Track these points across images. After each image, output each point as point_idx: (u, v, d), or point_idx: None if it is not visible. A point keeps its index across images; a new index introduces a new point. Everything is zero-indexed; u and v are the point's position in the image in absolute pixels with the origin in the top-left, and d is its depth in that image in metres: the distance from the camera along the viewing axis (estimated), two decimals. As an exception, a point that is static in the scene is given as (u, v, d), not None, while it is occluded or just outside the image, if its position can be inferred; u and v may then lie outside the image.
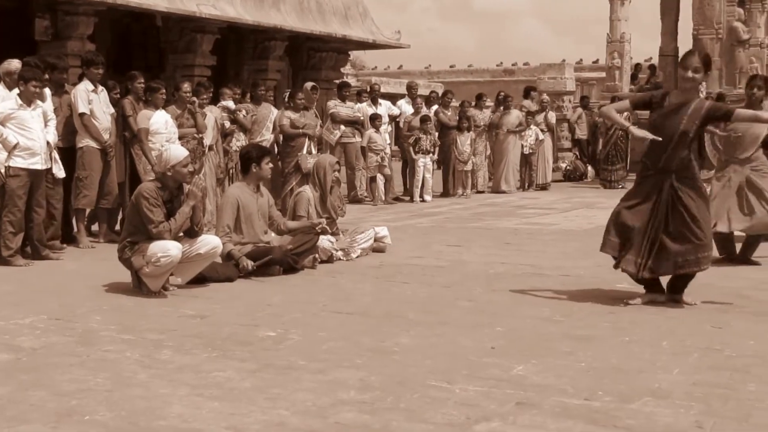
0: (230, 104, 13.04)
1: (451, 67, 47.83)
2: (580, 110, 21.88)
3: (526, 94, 20.04)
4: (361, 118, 15.43)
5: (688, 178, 6.41)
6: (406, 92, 17.73)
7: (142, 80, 10.45)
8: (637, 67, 27.24)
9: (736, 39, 22.44)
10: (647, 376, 4.60)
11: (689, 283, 6.56)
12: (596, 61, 40.50)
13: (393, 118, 16.99)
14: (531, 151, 18.02)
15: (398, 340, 5.41)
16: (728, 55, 22.49)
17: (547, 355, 5.05)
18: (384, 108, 16.34)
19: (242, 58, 19.67)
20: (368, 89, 17.89)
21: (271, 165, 8.27)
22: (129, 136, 10.23)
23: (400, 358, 4.98)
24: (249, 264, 7.65)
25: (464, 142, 16.47)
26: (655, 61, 27.22)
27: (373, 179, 15.22)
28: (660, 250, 6.42)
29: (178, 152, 7.20)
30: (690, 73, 6.37)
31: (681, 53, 24.32)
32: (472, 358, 4.97)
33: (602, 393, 4.30)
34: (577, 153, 21.55)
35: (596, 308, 6.40)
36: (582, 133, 21.50)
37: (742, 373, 4.66)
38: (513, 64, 45.52)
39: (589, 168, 21.11)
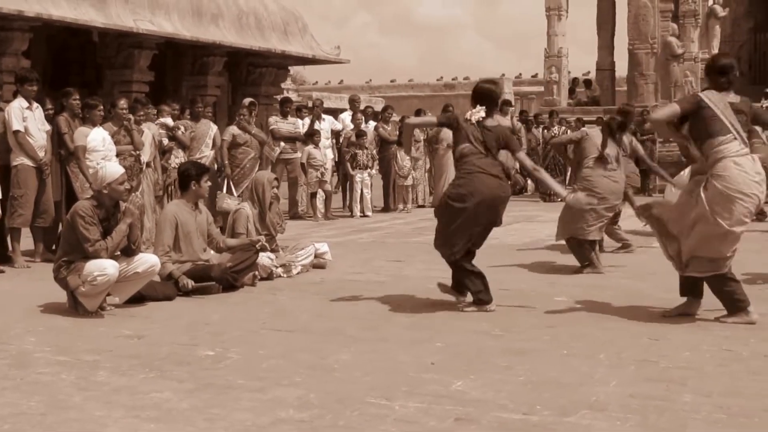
0: (168, 121, 12.92)
1: (391, 81, 47.96)
2: (519, 124, 22.04)
3: (501, 108, 20.23)
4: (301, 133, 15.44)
5: None
6: (349, 106, 17.74)
7: (77, 97, 10.30)
8: (574, 81, 27.60)
9: (670, 53, 22.84)
10: (585, 389, 4.64)
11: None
12: (535, 76, 40.90)
13: (336, 133, 16.97)
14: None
15: (338, 356, 5.39)
16: (663, 69, 22.87)
17: (486, 369, 5.07)
18: (327, 123, 16.32)
19: (181, 73, 19.52)
20: (311, 105, 17.86)
21: (209, 183, 8.22)
22: (64, 153, 10.08)
23: (339, 375, 4.96)
24: (189, 283, 7.59)
25: (404, 156, 16.53)
26: (593, 75, 27.62)
27: (313, 195, 15.20)
28: None
29: (113, 170, 7.12)
30: None
31: (617, 67, 24.63)
32: (412, 374, 4.97)
33: (540, 407, 4.33)
34: (517, 167, 21.68)
35: (535, 322, 6.44)
36: (522, 146, 21.66)
37: (678, 385, 4.72)
38: (453, 79, 45.73)
39: (529, 181, 21.28)
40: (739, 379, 4.84)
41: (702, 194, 6.20)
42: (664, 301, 6.94)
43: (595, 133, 9.15)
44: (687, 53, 23.19)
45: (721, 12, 23.91)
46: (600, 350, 5.50)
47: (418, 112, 18.11)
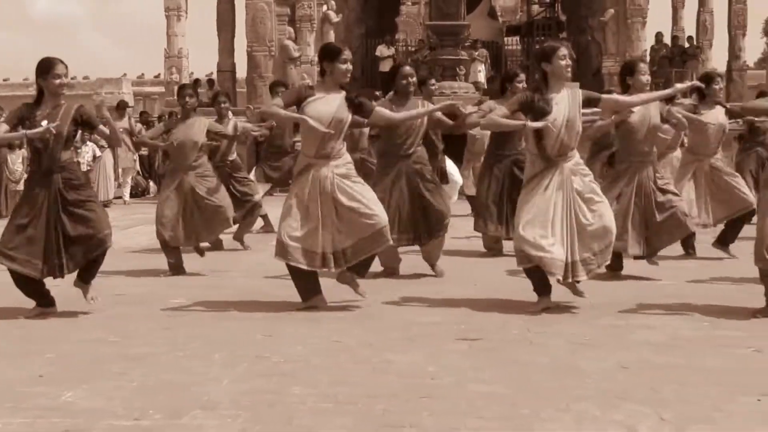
0: None
1: (5, 80, 45.46)
2: (139, 125, 21.72)
3: (117, 108, 19.70)
4: None
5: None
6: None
7: None
8: (196, 83, 27.62)
9: (287, 56, 23.54)
10: (198, 389, 4.66)
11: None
12: (158, 76, 40.49)
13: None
14: (89, 168, 17.60)
15: (-65, 377, 5.01)
16: (281, 71, 23.51)
17: (98, 378, 4.93)
18: None
19: None
20: None
21: None
22: None
23: (-65, 398, 4.61)
24: None
25: (15, 160, 15.72)
26: (216, 76, 27.79)
27: None
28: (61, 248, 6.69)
29: None
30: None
31: (238, 69, 24.92)
32: (19, 388, 4.72)
33: (153, 411, 4.29)
34: (139, 169, 21.38)
35: (152, 325, 6.36)
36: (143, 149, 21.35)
37: (289, 378, 4.87)
38: (72, 78, 44.11)
39: (151, 183, 21.05)
40: (346, 368, 5.09)
41: None
42: (278, 297, 7.13)
43: None
44: (303, 56, 24.02)
45: (335, 17, 24.98)
46: (215, 350, 5.55)
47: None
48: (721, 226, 9.62)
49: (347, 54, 6.79)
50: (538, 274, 6.78)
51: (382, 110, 7.28)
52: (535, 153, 6.78)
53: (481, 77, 24.46)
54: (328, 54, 6.81)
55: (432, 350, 5.52)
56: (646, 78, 7.88)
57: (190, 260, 9.03)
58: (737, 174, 9.79)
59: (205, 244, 9.47)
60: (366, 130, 11.69)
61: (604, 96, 7.21)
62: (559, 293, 6.88)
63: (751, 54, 35.45)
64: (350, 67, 6.78)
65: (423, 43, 28.37)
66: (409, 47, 28.24)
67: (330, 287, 7.00)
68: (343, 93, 6.79)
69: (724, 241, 9.47)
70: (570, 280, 6.70)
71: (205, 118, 9.27)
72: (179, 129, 8.99)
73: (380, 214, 6.76)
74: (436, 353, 5.45)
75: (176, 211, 8.86)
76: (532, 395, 4.55)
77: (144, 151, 21.29)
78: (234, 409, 4.30)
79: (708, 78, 9.43)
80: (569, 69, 6.74)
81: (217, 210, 8.95)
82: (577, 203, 6.67)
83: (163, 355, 5.47)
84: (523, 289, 7.07)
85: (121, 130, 18.34)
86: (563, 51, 6.73)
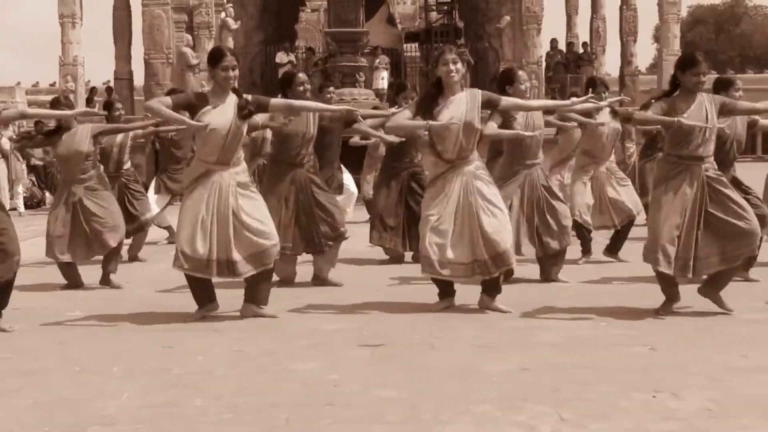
0: None
1: None
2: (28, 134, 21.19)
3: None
4: None
5: None
6: None
7: None
8: (92, 91, 27.15)
9: (185, 64, 23.26)
10: (96, 404, 4.57)
11: None
12: (53, 84, 39.57)
13: None
14: (-20, 179, 17.13)
15: None
16: (179, 79, 23.23)
17: (-8, 395, 4.80)
18: None
19: None
20: None
21: None
22: None
23: None
24: None
25: None
26: (113, 84, 27.32)
27: None
28: None
29: None
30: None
31: (135, 76, 24.51)
32: None
33: (49, 429, 4.20)
34: (34, 179, 20.87)
35: (46, 340, 6.19)
36: (38, 159, 20.87)
37: (191, 390, 4.81)
38: (-38, 87, 42.82)
39: (47, 194, 20.55)
40: (248, 378, 5.05)
41: None
42: (179, 308, 7.02)
43: None
44: (202, 64, 23.74)
45: (234, 25, 24.78)
46: (114, 363, 5.44)
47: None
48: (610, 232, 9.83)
49: (228, 60, 6.61)
50: (441, 279, 6.90)
51: (278, 100, 7.23)
52: (436, 157, 6.87)
53: (384, 84, 24.54)
54: (210, 59, 6.71)
55: (335, 357, 5.52)
56: (524, 86, 7.99)
57: (87, 272, 8.83)
58: (628, 180, 9.99)
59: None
60: (269, 135, 11.55)
61: (504, 98, 7.23)
62: (464, 296, 6.96)
63: (642, 59, 36.52)
64: (231, 73, 6.60)
65: (312, 51, 28.46)
66: (307, 54, 28.20)
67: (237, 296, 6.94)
68: (235, 99, 6.70)
69: (612, 249, 9.69)
70: (472, 276, 6.82)
71: (89, 124, 8.97)
72: (63, 141, 8.61)
73: (273, 233, 6.75)
74: (338, 360, 5.45)
75: (66, 226, 8.57)
76: (433, 399, 4.58)
77: (39, 161, 20.80)
78: (134, 423, 4.23)
79: (592, 83, 9.62)
80: (452, 75, 6.76)
81: (100, 233, 8.59)
82: (478, 207, 6.75)
83: (59, 370, 5.34)
84: (426, 294, 7.13)
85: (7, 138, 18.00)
86: (446, 57, 6.80)
